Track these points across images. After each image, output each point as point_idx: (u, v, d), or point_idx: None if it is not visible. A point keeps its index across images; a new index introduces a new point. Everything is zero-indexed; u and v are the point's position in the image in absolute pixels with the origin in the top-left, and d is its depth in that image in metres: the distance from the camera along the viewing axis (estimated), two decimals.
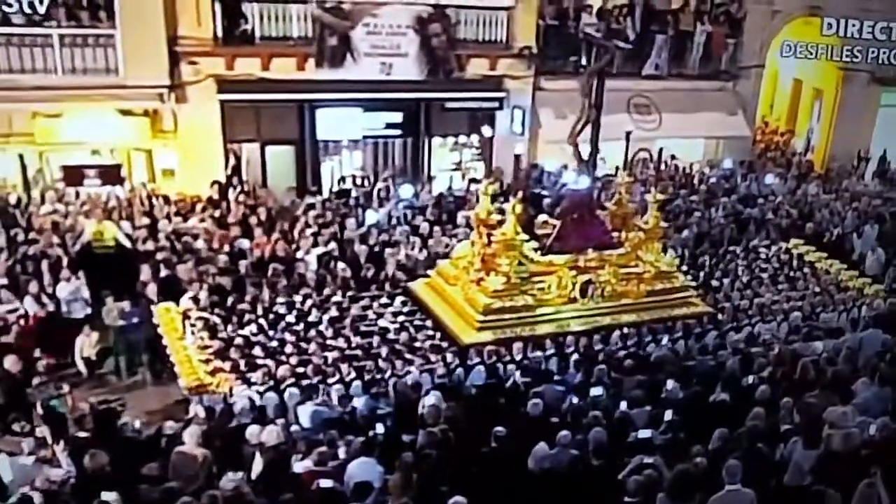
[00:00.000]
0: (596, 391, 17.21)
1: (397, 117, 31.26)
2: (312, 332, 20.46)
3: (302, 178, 30.45)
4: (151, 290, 21.96)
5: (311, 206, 27.26)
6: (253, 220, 25.77)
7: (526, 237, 21.70)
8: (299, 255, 24.39)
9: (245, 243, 24.71)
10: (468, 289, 21.78)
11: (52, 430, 15.41)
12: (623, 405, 16.54)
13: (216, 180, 27.94)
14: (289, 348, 19.52)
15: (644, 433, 15.26)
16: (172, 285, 22.31)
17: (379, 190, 29.42)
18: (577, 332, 21.24)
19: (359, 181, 30.76)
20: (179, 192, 27.64)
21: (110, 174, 26.97)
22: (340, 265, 23.98)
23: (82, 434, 15.69)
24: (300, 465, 14.47)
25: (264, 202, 27.30)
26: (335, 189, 30.54)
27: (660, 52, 34.20)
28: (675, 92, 34.51)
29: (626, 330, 21.45)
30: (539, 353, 20.05)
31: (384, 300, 22.66)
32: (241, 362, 18.88)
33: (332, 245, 24.97)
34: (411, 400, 17.37)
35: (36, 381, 17.80)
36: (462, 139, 32.95)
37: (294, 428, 16.35)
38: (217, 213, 26.20)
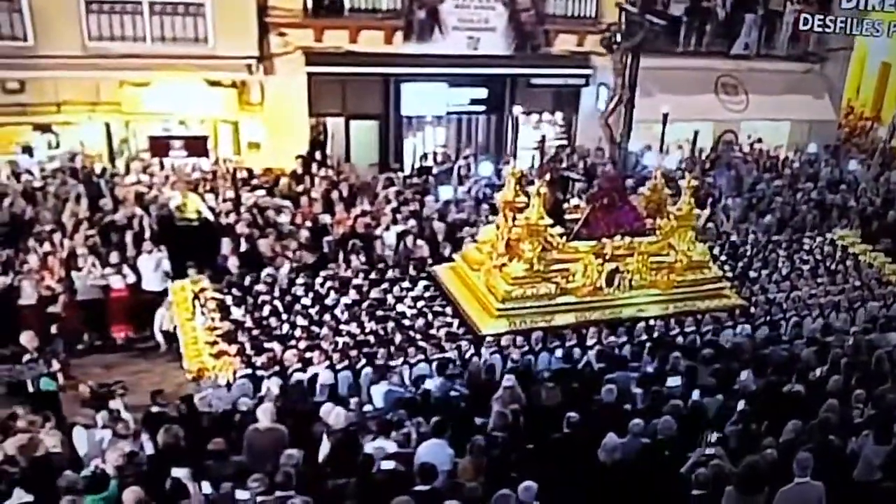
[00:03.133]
0: (673, 381, 16.27)
1: (482, 93, 30.29)
2: (327, 316, 19.11)
3: (384, 154, 29.71)
4: (232, 264, 21.18)
5: (391, 183, 26.42)
6: (335, 195, 24.86)
7: (550, 222, 19.93)
8: (378, 231, 23.52)
9: (326, 219, 23.87)
10: (490, 275, 20.25)
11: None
12: (695, 394, 15.74)
13: (301, 154, 27.24)
14: (298, 332, 18.23)
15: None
16: (253, 259, 21.67)
17: (460, 167, 28.41)
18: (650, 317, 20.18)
19: (440, 158, 29.68)
20: (264, 165, 26.95)
21: (196, 146, 26.18)
22: (419, 242, 23.13)
23: (156, 409, 15.63)
24: (371, 446, 13.69)
25: (347, 177, 26.43)
26: (416, 166, 29.74)
27: (749, 32, 32.79)
28: (763, 73, 33.28)
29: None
30: (613, 339, 19.02)
31: (406, 284, 21.10)
32: (248, 345, 17.64)
33: (412, 222, 24.10)
34: (485, 382, 16.56)
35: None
36: (546, 116, 32.22)
37: (367, 408, 15.50)
38: (300, 188, 25.40)
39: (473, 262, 21.13)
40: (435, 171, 28.60)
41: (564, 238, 20.29)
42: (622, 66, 21.16)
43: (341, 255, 22.30)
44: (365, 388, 16.65)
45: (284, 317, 18.99)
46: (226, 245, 21.83)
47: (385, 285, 20.80)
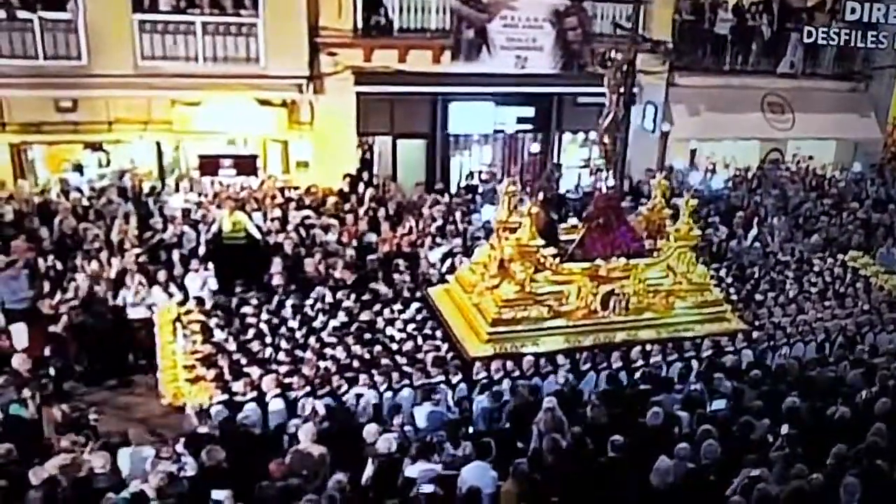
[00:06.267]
0: (718, 404, 15.72)
1: (529, 112, 29.40)
2: (312, 340, 17.95)
3: (431, 173, 28.78)
4: (278, 282, 20.42)
5: (437, 201, 25.53)
6: (381, 213, 24.08)
7: (542, 242, 18.74)
8: (422, 252, 22.75)
9: (372, 237, 23.17)
10: (481, 297, 19.11)
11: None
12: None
13: (348, 173, 26.44)
14: (281, 356, 17.06)
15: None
16: (299, 277, 20.96)
17: None
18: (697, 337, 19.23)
19: (485, 177, 28.82)
20: (312, 184, 26.09)
21: (245, 165, 25.59)
22: (464, 261, 21.88)
23: (202, 430, 15.26)
24: (413, 469, 13.32)
25: (393, 196, 25.66)
26: (463, 184, 28.86)
27: (794, 51, 31.77)
28: (809, 91, 32.09)
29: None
30: (659, 359, 18.02)
31: (398, 306, 19.86)
32: (227, 370, 16.39)
33: (456, 241, 23.27)
34: (529, 404, 15.72)
35: None
36: (592, 135, 31.68)
37: (409, 429, 15.10)
38: (347, 207, 24.59)
39: (467, 284, 20.05)
40: (481, 189, 27.64)
41: (558, 259, 19.13)
42: (616, 82, 20.43)
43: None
44: (407, 409, 15.88)
45: (269, 340, 17.88)
46: (274, 264, 21.10)
47: (376, 307, 19.63)
